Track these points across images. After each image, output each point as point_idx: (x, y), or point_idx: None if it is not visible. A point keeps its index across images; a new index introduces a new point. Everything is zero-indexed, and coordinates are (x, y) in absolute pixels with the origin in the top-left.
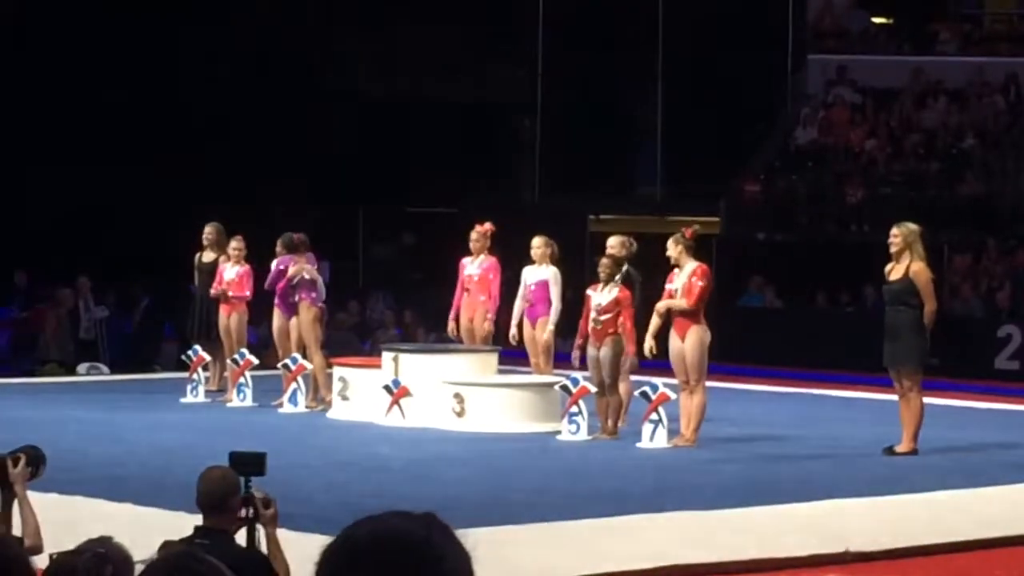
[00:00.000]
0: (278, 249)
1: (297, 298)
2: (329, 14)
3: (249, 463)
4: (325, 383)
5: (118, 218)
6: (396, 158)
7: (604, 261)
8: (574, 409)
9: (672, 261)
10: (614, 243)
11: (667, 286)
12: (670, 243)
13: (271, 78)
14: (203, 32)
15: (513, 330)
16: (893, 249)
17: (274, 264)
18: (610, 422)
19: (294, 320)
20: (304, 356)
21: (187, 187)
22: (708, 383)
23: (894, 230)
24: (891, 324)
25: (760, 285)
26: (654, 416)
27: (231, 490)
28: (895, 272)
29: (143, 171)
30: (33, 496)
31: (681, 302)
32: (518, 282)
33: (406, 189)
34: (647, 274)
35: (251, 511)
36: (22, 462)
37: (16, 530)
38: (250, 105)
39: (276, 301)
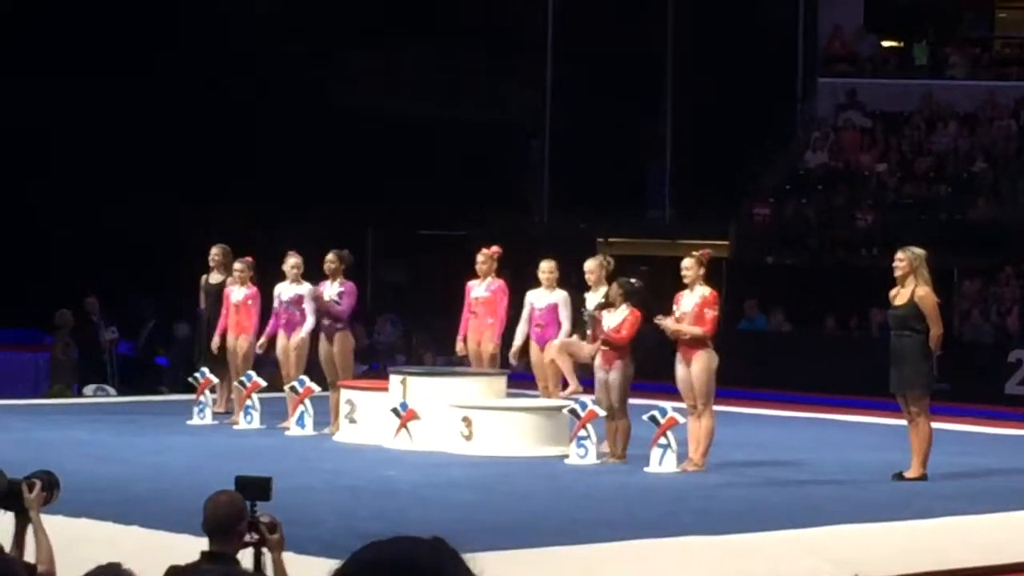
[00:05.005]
0: (289, 268)
1: (333, 324)
2: (337, 34)
3: (255, 488)
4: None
5: (125, 239)
6: (403, 179)
7: (613, 287)
8: (583, 433)
9: (686, 281)
10: (592, 266)
11: (674, 308)
12: (692, 263)
13: (279, 99)
14: (211, 51)
15: (514, 350)
16: (898, 273)
17: (346, 289)
18: (619, 446)
19: (324, 345)
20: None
21: (191, 208)
22: (716, 407)
23: (899, 254)
24: (896, 349)
25: (755, 307)
26: (663, 440)
27: (238, 515)
28: (900, 297)
29: (150, 193)
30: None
31: (694, 330)
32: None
33: (414, 211)
34: (656, 297)
35: (257, 535)
36: (37, 487)
37: (29, 555)
38: (258, 126)
39: (282, 323)
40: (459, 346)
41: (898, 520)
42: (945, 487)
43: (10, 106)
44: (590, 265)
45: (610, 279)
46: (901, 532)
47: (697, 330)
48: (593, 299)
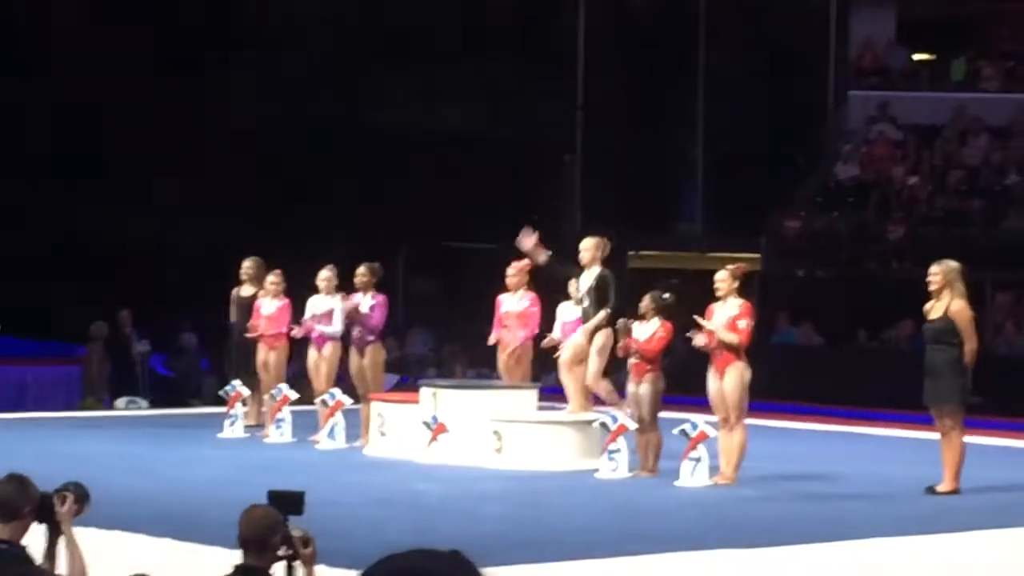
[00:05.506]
0: (321, 281)
1: (364, 337)
2: (370, 52)
3: (287, 502)
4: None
5: (159, 251)
6: (435, 193)
7: (645, 299)
8: (613, 446)
9: (719, 293)
10: (588, 245)
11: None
12: (727, 275)
13: (313, 113)
14: (247, 64)
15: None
16: (933, 287)
17: (377, 302)
18: (650, 459)
19: (354, 357)
20: (345, 392)
21: (225, 220)
22: (748, 421)
23: (933, 268)
24: (931, 363)
25: (787, 320)
26: (694, 454)
27: (273, 529)
28: (935, 310)
29: (184, 204)
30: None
31: (731, 336)
32: (554, 317)
33: (445, 224)
34: (687, 310)
35: (290, 550)
36: (69, 500)
37: (61, 568)
38: (292, 140)
39: (312, 336)
40: (492, 339)
41: (930, 534)
42: (977, 501)
43: (46, 124)
44: (587, 244)
45: (605, 262)
46: (933, 546)
47: (732, 336)
48: (586, 279)
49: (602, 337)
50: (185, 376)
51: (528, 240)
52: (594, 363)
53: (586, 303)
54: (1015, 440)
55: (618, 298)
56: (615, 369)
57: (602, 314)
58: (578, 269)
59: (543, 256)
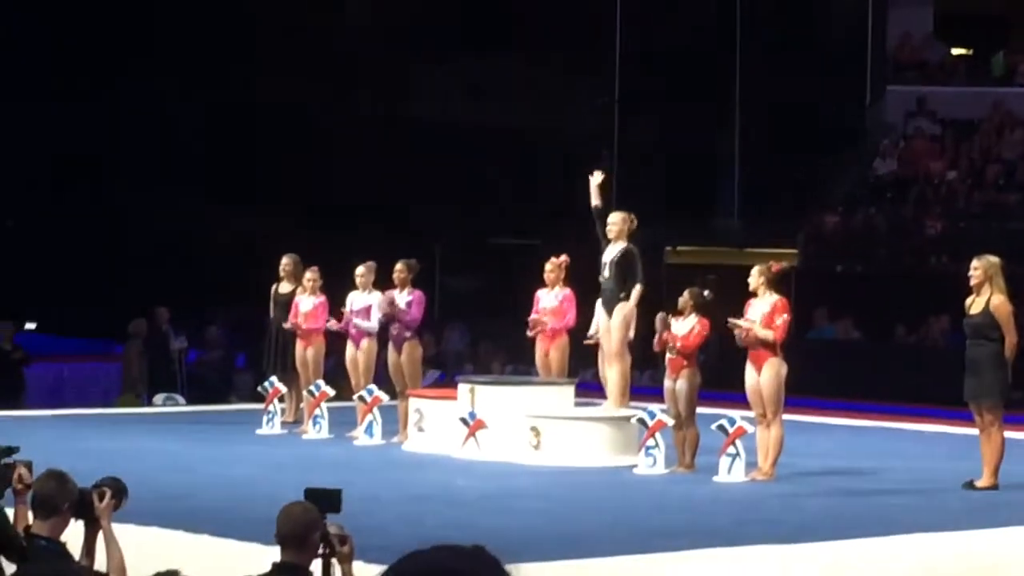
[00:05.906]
0: (358, 277)
1: (401, 333)
2: (408, 47)
3: (325, 499)
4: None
5: (195, 248)
6: (473, 188)
7: (684, 295)
8: (651, 442)
9: (750, 288)
10: (615, 219)
11: (745, 315)
12: (756, 272)
13: (351, 107)
14: (282, 59)
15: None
16: (973, 282)
17: (414, 298)
18: (687, 455)
19: (392, 354)
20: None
21: (262, 217)
22: (786, 416)
23: (974, 262)
24: (972, 358)
25: (825, 316)
26: (732, 449)
27: (312, 526)
28: (975, 305)
29: (221, 200)
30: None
31: (766, 332)
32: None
33: (483, 220)
34: (724, 306)
35: (327, 547)
36: (108, 496)
37: (100, 564)
38: (330, 133)
39: (351, 332)
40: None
41: (968, 529)
42: (1016, 497)
43: (81, 125)
44: (614, 218)
45: (630, 236)
46: (972, 542)
47: (767, 333)
48: (610, 253)
49: (626, 307)
50: (210, 370)
51: (597, 178)
52: (618, 331)
53: (607, 275)
54: None
55: (644, 273)
56: (652, 366)
57: (636, 290)
58: (606, 242)
59: (598, 199)
